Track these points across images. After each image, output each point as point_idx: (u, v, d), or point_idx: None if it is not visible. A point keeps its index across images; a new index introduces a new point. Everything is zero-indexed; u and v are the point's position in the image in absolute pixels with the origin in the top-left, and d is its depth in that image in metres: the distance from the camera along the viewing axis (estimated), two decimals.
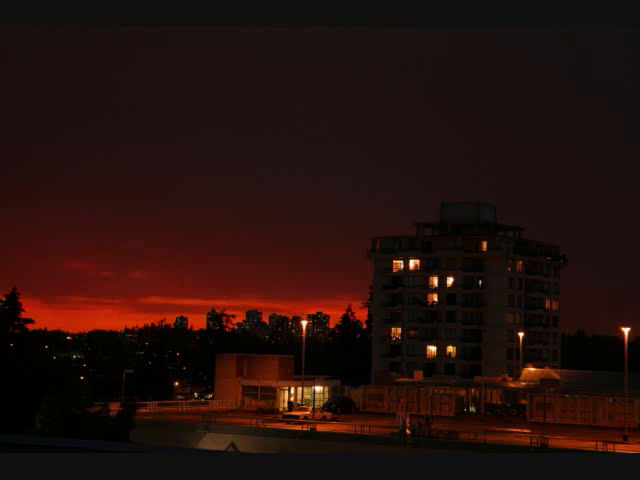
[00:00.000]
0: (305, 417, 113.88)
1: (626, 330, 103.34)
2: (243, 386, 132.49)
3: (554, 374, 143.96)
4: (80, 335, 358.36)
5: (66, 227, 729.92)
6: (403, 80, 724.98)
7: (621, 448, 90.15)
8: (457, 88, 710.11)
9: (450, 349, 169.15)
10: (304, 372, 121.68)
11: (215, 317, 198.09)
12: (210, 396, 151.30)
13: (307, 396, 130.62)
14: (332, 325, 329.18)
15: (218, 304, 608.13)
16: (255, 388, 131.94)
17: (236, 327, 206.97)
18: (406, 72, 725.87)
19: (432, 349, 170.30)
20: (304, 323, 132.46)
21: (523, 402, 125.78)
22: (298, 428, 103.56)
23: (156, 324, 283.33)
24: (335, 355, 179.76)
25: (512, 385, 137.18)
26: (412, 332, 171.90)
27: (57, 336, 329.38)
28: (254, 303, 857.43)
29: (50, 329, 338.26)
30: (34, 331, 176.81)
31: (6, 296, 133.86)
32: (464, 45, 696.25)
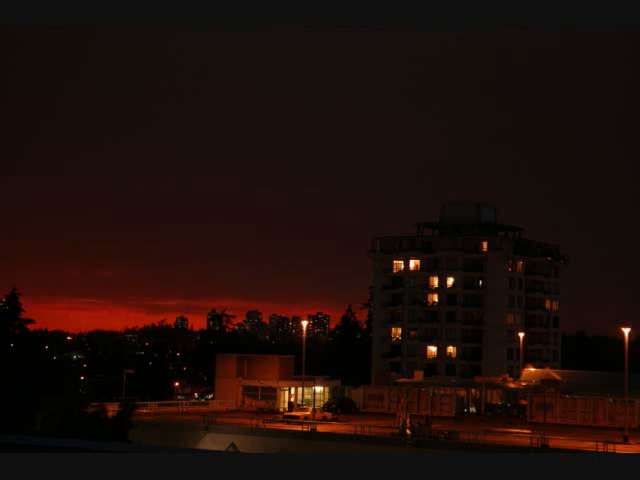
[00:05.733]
0: (305, 417, 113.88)
1: (626, 330, 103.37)
2: (243, 386, 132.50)
3: (554, 374, 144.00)
4: (80, 335, 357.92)
5: (67, 228, 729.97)
6: (402, 79, 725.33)
7: (621, 448, 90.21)
8: (457, 87, 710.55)
9: (450, 349, 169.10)
10: (304, 372, 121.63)
11: (215, 317, 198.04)
12: (210, 396, 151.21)
13: (307, 396, 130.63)
14: (332, 325, 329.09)
15: (218, 304, 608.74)
16: (255, 388, 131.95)
17: (236, 327, 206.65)
18: (405, 71, 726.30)
19: (432, 349, 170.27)
20: (304, 323, 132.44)
21: (523, 402, 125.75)
22: (298, 428, 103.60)
23: (156, 324, 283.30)
24: (335, 355, 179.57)
25: (512, 385, 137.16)
26: (412, 332, 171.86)
27: (57, 336, 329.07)
28: (254, 303, 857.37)
29: (50, 329, 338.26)
30: (34, 331, 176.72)
31: (6, 296, 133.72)
32: (464, 44, 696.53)
